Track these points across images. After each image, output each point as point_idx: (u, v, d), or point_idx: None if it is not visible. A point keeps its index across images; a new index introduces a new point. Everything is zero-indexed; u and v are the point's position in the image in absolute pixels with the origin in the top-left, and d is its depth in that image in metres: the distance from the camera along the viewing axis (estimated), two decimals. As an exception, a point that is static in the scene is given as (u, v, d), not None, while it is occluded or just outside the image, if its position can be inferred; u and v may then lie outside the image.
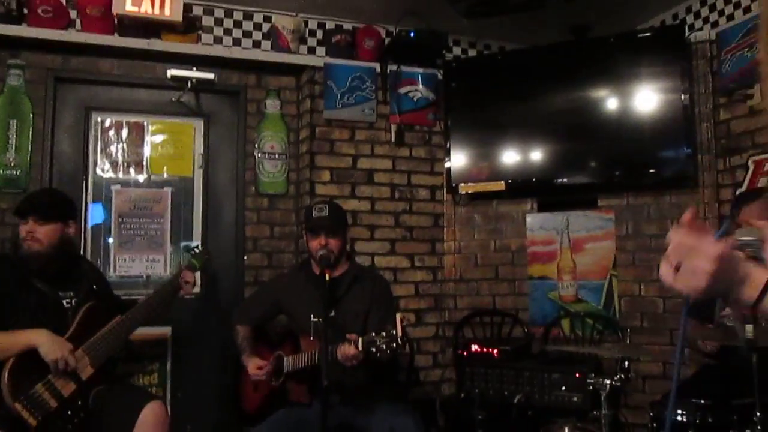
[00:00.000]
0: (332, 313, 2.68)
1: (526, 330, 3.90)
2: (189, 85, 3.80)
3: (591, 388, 2.17)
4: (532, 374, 3.31)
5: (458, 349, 3.64)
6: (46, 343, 2.44)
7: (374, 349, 2.43)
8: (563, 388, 3.19)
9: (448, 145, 4.08)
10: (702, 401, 2.44)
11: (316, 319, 2.65)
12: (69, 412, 2.43)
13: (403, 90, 4.08)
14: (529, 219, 4.00)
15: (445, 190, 4.15)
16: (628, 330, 2.89)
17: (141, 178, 3.86)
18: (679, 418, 2.37)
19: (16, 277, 2.55)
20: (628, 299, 3.72)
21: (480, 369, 3.42)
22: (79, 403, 2.48)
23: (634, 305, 3.70)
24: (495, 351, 3.46)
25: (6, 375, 2.34)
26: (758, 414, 2.21)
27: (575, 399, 3.23)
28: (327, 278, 2.68)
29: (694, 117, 3.57)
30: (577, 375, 3.22)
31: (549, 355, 3.61)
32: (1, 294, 2.52)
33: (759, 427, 2.21)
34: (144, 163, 3.87)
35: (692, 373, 3.25)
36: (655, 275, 3.65)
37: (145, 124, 3.89)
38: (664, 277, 1.06)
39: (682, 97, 3.52)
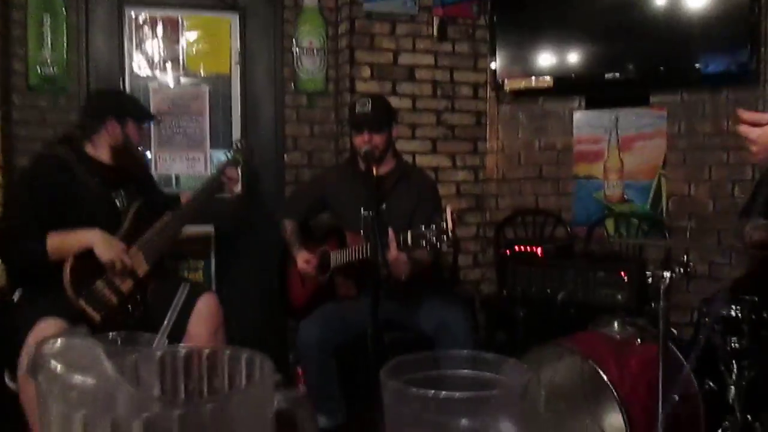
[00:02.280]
0: (384, 208, 2.66)
1: (568, 230, 3.86)
2: (223, -24, 3.65)
3: (650, 280, 2.14)
4: (576, 273, 3.30)
5: (500, 248, 3.63)
6: (100, 243, 2.45)
7: (423, 242, 2.41)
8: (608, 285, 3.18)
9: (493, 41, 3.91)
10: (756, 298, 2.40)
11: (366, 213, 2.64)
12: (129, 307, 2.49)
13: (446, -20, 3.88)
14: (576, 117, 3.87)
15: (488, 87, 4.01)
16: (689, 226, 2.83)
17: (177, 75, 3.78)
18: (733, 313, 2.34)
19: (69, 178, 2.55)
20: (676, 199, 3.64)
21: (523, 267, 3.41)
22: (138, 298, 2.54)
23: (683, 205, 3.62)
24: (539, 250, 3.44)
25: (67, 272, 2.38)
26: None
27: (619, 297, 3.22)
28: (374, 173, 2.64)
29: (759, 9, 3.34)
30: (622, 273, 3.21)
31: (593, 254, 3.59)
32: (55, 195, 2.52)
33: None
34: (180, 60, 3.79)
35: (744, 272, 3.22)
36: (707, 175, 3.55)
37: (180, 19, 3.77)
38: None
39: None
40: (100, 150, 2.64)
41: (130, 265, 2.52)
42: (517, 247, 3.52)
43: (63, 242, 2.44)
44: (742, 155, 3.45)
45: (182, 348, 0.51)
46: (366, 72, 3.79)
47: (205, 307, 2.54)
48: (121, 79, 3.66)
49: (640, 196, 3.71)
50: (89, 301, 2.40)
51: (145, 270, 2.58)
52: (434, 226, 2.38)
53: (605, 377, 2.27)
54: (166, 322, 0.66)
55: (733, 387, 2.35)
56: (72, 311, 2.35)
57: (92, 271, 2.44)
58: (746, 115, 1.61)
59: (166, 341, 0.68)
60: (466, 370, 0.52)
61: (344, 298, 2.88)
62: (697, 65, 3.47)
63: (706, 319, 2.40)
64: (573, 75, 3.75)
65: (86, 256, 2.43)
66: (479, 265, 4.08)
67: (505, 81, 3.89)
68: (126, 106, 2.75)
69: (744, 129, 1.60)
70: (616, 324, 2.54)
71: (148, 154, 3.72)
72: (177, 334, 2.50)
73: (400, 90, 3.86)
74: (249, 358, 0.49)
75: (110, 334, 0.58)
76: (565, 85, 3.78)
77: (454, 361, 0.54)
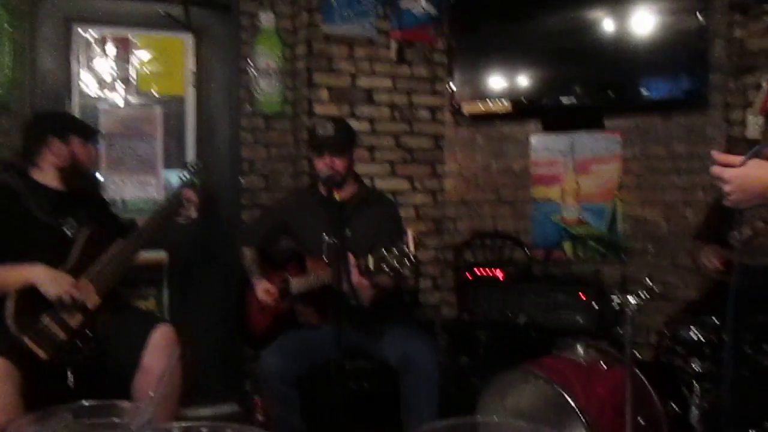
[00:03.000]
0: (348, 234, 2.61)
1: (527, 253, 3.88)
2: (177, -5, 3.56)
3: (617, 306, 2.15)
4: (537, 296, 3.32)
5: (461, 272, 3.62)
6: (44, 279, 2.31)
7: (385, 266, 2.36)
8: (569, 308, 3.21)
9: (451, 64, 3.93)
10: (714, 320, 2.44)
11: (331, 240, 2.58)
12: (79, 343, 2.36)
13: (404, 4, 3.88)
14: (533, 140, 3.91)
15: (446, 110, 4.02)
16: (648, 248, 2.87)
17: (129, 96, 3.66)
18: (693, 336, 2.37)
19: (15, 207, 2.41)
20: (631, 221, 3.69)
21: (484, 291, 3.42)
22: (88, 332, 2.40)
23: (638, 228, 3.68)
24: (500, 273, 3.45)
25: (11, 308, 2.23)
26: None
27: (579, 319, 3.25)
28: (337, 198, 2.59)
29: (707, 35, 3.44)
30: (582, 296, 3.24)
31: (553, 277, 3.61)
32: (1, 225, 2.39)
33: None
34: (132, 80, 3.67)
35: (698, 295, 3.28)
36: (660, 197, 3.63)
37: (131, 38, 3.66)
38: None
39: (698, 15, 3.38)
40: (48, 174, 2.52)
41: (79, 298, 2.39)
42: (477, 271, 3.52)
43: (3, 277, 2.30)
44: (694, 178, 3.54)
45: (176, 426, 0.45)
46: (324, 94, 3.75)
47: (162, 338, 2.42)
48: (68, 99, 3.52)
49: (597, 219, 3.76)
50: (35, 337, 2.25)
51: (95, 302, 2.45)
52: (396, 250, 2.35)
53: (572, 402, 2.26)
54: (153, 394, 0.59)
55: (695, 409, 2.37)
56: (16, 349, 2.21)
57: (38, 306, 2.30)
58: (720, 156, 1.64)
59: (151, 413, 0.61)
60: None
61: (305, 326, 2.80)
62: (647, 91, 3.56)
63: (669, 342, 2.42)
64: (529, 99, 3.79)
65: (32, 289, 2.30)
66: (439, 289, 4.06)
67: (463, 104, 3.91)
68: (67, 124, 2.66)
69: (717, 170, 1.63)
70: (580, 348, 2.53)
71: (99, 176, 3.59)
72: (130, 368, 2.39)
73: (358, 113, 3.83)
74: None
75: (85, 403, 0.51)
76: (522, 108, 3.81)
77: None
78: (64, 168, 2.52)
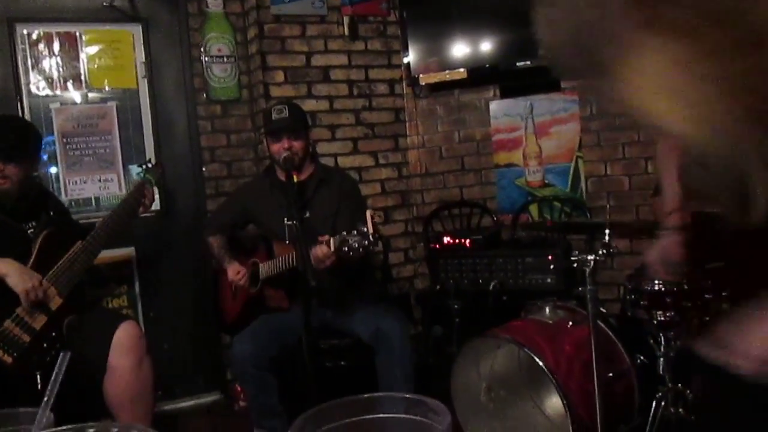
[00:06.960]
0: (307, 215, 2.61)
1: (495, 218, 3.91)
2: (121, -14, 3.49)
3: (575, 265, 2.18)
4: (506, 260, 3.35)
5: (430, 243, 3.64)
6: (14, 273, 2.30)
7: (346, 248, 2.37)
8: (537, 270, 3.25)
9: (405, 36, 3.91)
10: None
11: (290, 223, 2.57)
12: (44, 345, 2.34)
13: (352, -22, 3.84)
14: (492, 106, 3.91)
15: (404, 83, 4.01)
16: (607, 205, 2.90)
17: (81, 93, 3.60)
18: (656, 287, 2.41)
19: None
20: (594, 180, 3.73)
21: (453, 260, 3.44)
22: (53, 334, 2.38)
23: (601, 185, 3.72)
24: (467, 241, 3.47)
25: None
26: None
27: (549, 280, 3.30)
28: (294, 180, 2.59)
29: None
30: (550, 257, 3.28)
31: (520, 241, 3.64)
32: None
33: (735, 289, 2.26)
34: (82, 77, 3.60)
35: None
36: (621, 154, 3.67)
37: (78, 34, 3.58)
38: None
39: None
40: None
41: (45, 297, 2.38)
42: (446, 241, 3.54)
43: None
44: (651, 133, 3.58)
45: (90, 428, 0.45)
46: (279, 76, 3.71)
47: (126, 335, 2.42)
48: (18, 100, 3.44)
49: (560, 180, 3.79)
50: None
51: (58, 304, 2.43)
52: (356, 231, 2.35)
53: (541, 363, 2.30)
54: (46, 398, 0.59)
55: (662, 358, 2.42)
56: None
57: None
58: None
59: (51, 415, 0.61)
60: (399, 414, 0.48)
61: (276, 310, 2.81)
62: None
63: (633, 296, 2.46)
64: (486, 65, 3.79)
65: None
66: (411, 261, 4.08)
67: (420, 75, 3.89)
68: None
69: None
70: (547, 309, 2.58)
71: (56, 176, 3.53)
72: (98, 369, 2.38)
73: (315, 92, 3.80)
74: None
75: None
76: (479, 75, 3.81)
77: (386, 405, 0.50)
78: None
